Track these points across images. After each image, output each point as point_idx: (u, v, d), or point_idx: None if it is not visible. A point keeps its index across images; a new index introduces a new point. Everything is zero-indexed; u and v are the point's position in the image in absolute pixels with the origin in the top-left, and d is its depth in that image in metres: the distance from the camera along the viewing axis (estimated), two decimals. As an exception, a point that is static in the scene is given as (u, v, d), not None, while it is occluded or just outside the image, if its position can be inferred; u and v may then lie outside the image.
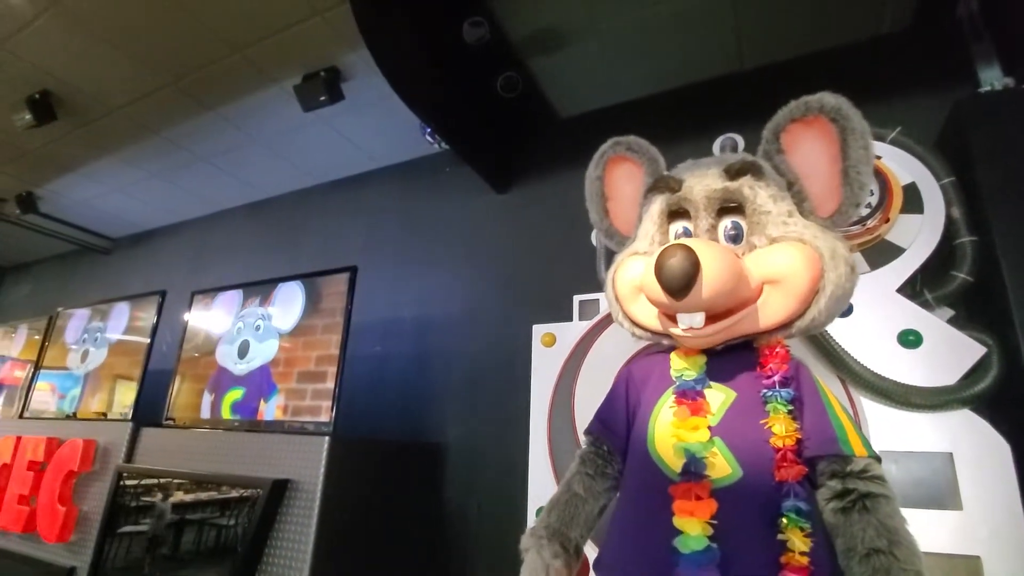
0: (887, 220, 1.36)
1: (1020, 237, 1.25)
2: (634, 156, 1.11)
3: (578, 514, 0.94)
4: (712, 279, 0.78)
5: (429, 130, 2.17)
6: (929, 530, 1.18)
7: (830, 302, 0.86)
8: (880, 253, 1.38)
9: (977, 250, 1.32)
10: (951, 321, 1.33)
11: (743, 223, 0.92)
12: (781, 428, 0.81)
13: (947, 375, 1.25)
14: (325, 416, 1.61)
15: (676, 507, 0.78)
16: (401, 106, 1.84)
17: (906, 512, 1.17)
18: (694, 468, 0.80)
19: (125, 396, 2.29)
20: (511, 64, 1.93)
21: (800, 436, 0.81)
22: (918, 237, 1.36)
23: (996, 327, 1.25)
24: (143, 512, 1.91)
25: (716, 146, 1.80)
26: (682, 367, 0.91)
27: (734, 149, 1.79)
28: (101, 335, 2.48)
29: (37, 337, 2.87)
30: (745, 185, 0.93)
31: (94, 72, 2.19)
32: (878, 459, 0.82)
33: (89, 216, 3.65)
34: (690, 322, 0.84)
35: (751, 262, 0.87)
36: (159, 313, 2.22)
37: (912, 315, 1.31)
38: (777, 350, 0.88)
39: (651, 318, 0.95)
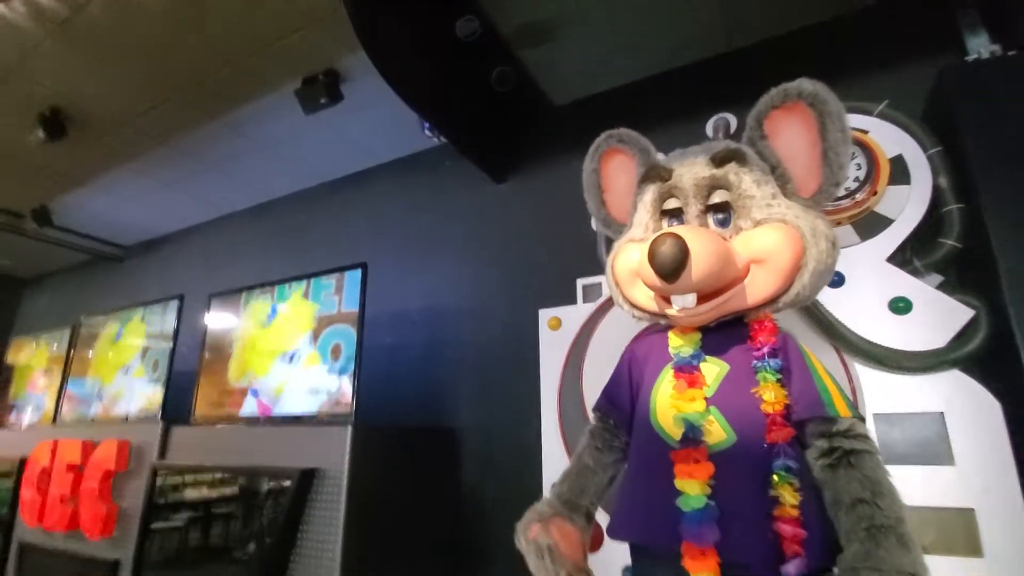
0: (875, 192, 1.40)
1: (1006, 202, 1.28)
2: (626, 148, 1.17)
3: (588, 484, 1.03)
4: (700, 263, 0.84)
5: (428, 125, 2.21)
6: (923, 486, 1.25)
7: (813, 277, 0.92)
8: (870, 225, 1.43)
9: (964, 217, 1.36)
10: (941, 287, 1.38)
11: (730, 208, 0.97)
12: (771, 395, 0.87)
13: (938, 338, 1.30)
14: (345, 407, 1.69)
15: (677, 470, 0.85)
16: (399, 103, 1.89)
17: (900, 469, 1.25)
18: (692, 435, 0.87)
19: (140, 399, 2.42)
20: (504, 56, 1.97)
21: (788, 402, 0.88)
22: (906, 207, 1.40)
23: (984, 290, 1.30)
24: (176, 508, 2.02)
25: (709, 126, 1.84)
26: (679, 344, 0.98)
27: (727, 129, 1.83)
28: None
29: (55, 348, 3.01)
30: (730, 172, 0.99)
31: (101, 88, 2.26)
32: (861, 419, 0.88)
33: (102, 226, 3.74)
34: (683, 303, 0.90)
35: (738, 244, 0.94)
36: (179, 317, 2.31)
37: (902, 283, 1.36)
38: (766, 324, 0.95)
39: (648, 300, 1.01)
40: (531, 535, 0.93)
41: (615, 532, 0.95)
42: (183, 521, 1.99)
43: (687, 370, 0.93)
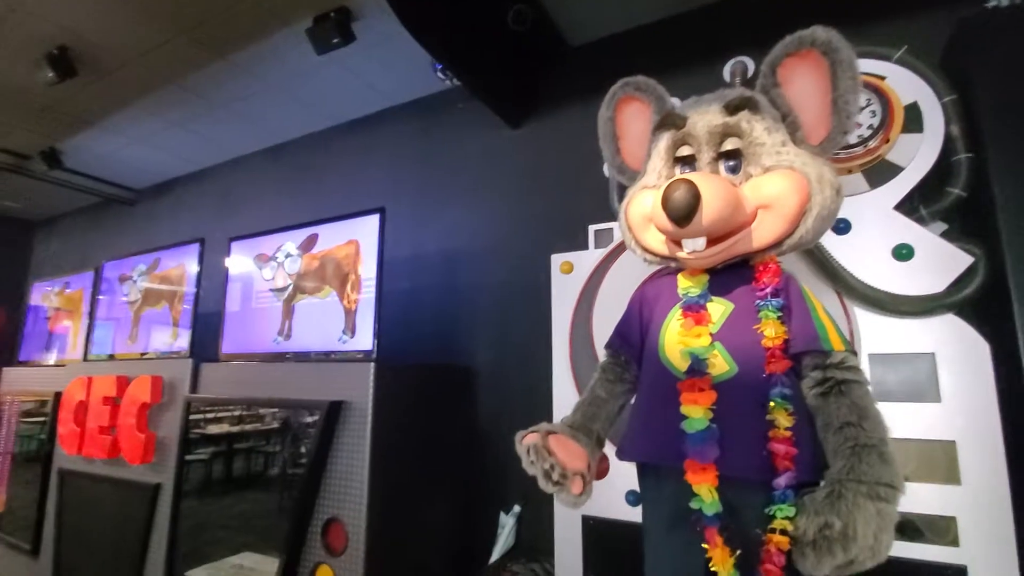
0: (887, 140, 1.42)
1: (1013, 153, 1.31)
2: (642, 95, 1.19)
3: (599, 412, 1.12)
4: (710, 208, 0.90)
5: (439, 66, 2.19)
6: (911, 420, 1.34)
7: (816, 222, 0.98)
8: (880, 172, 1.46)
9: (972, 166, 1.38)
10: (945, 234, 1.43)
11: (741, 155, 1.01)
12: (771, 331, 0.95)
13: (936, 284, 1.36)
14: (368, 344, 1.79)
15: (683, 398, 0.94)
16: (412, 43, 1.87)
17: (891, 406, 1.35)
18: (697, 367, 0.95)
19: (156, 338, 2.54)
20: (520, -6, 1.92)
21: (787, 337, 0.95)
22: (917, 156, 1.42)
23: (984, 238, 1.35)
24: (209, 440, 2.17)
25: (727, 70, 1.82)
26: (687, 285, 1.05)
27: (744, 73, 1.82)
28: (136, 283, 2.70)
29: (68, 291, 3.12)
30: (743, 119, 1.02)
31: (109, 25, 2.22)
32: (854, 353, 0.96)
33: (112, 169, 3.75)
34: (693, 246, 0.96)
35: (747, 190, 0.98)
36: (201, 259, 2.38)
37: (906, 230, 1.40)
38: (770, 265, 1.01)
39: (660, 244, 1.06)
40: (526, 440, 1.03)
41: (624, 454, 1.05)
42: (216, 452, 2.14)
43: (694, 309, 1.00)
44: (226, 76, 2.55)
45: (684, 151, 1.07)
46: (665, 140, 1.09)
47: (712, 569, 0.90)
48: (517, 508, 2.03)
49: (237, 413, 2.13)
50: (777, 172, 0.98)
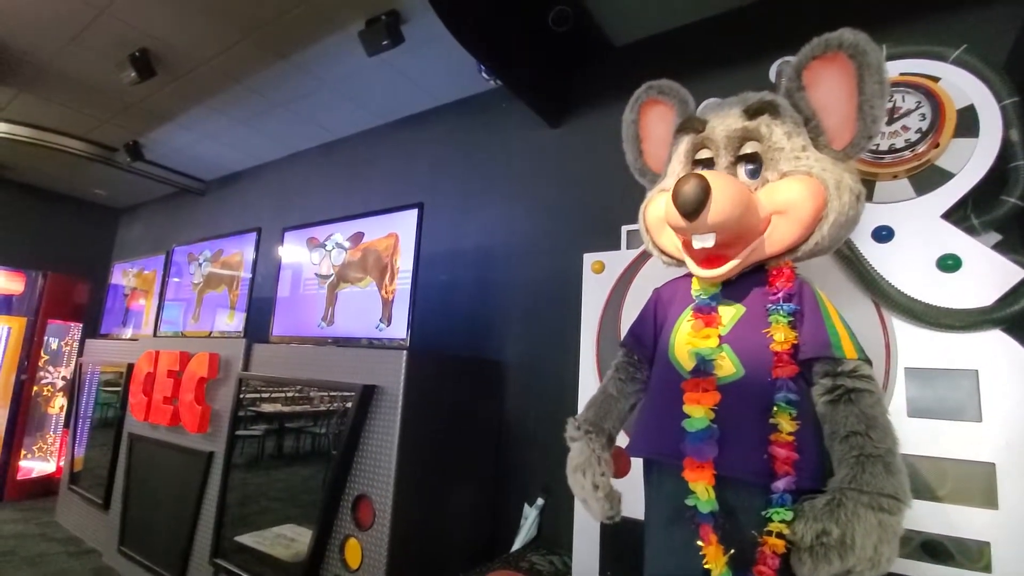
0: (937, 145, 1.35)
1: (1079, 159, 1.22)
2: (665, 99, 1.20)
3: (612, 410, 1.15)
4: (720, 204, 0.89)
5: (484, 67, 2.25)
6: (947, 439, 1.28)
7: (833, 229, 0.97)
8: (928, 179, 1.39)
9: (1032, 173, 1.30)
10: (998, 245, 1.35)
11: (760, 159, 1.01)
12: (781, 336, 0.95)
13: (984, 297, 1.29)
14: (402, 333, 1.87)
15: (686, 397, 0.95)
16: (458, 45, 1.93)
17: (927, 422, 1.30)
18: (703, 367, 0.96)
19: (216, 319, 2.73)
20: (563, -4, 1.95)
21: (796, 342, 0.95)
22: (969, 162, 1.35)
23: (1040, 251, 1.27)
24: (257, 417, 2.33)
25: (772, 71, 1.78)
26: (700, 288, 1.05)
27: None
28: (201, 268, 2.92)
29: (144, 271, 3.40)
30: (762, 124, 1.01)
31: (184, 30, 2.42)
32: (868, 362, 0.94)
33: (185, 161, 4.06)
34: (702, 243, 0.96)
35: (763, 195, 0.98)
36: (257, 247, 2.55)
37: (954, 240, 1.33)
38: (784, 271, 1.00)
39: (675, 247, 1.08)
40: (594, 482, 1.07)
41: (632, 449, 1.08)
42: (268, 429, 2.30)
43: (705, 311, 1.01)
44: (285, 77, 2.71)
45: (703, 154, 1.08)
46: (685, 143, 1.11)
47: (706, 567, 0.90)
48: (540, 501, 2.06)
49: (290, 394, 2.28)
50: (793, 177, 0.97)
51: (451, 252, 2.59)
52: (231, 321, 2.62)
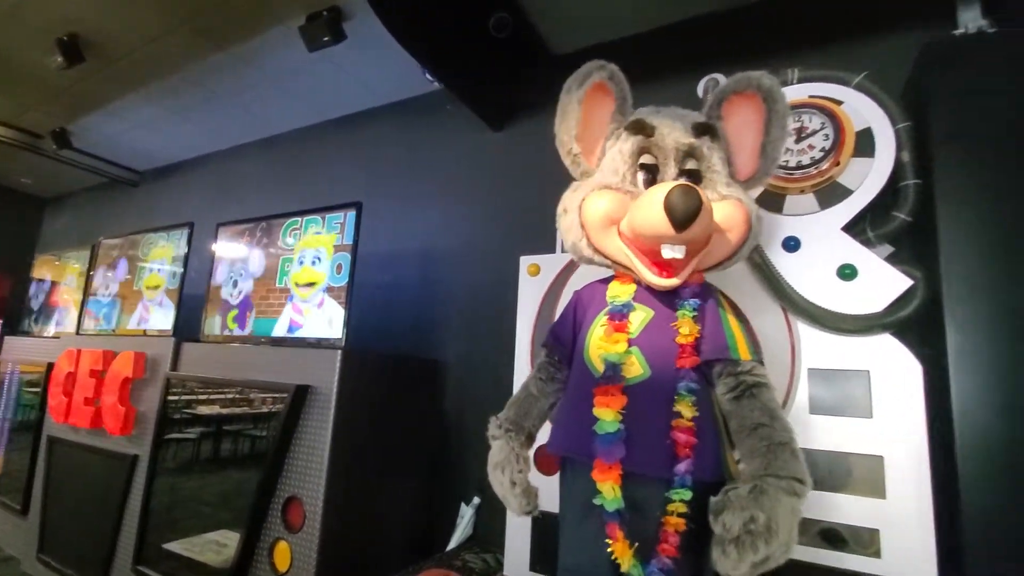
0: (838, 163, 1.47)
1: (957, 180, 1.34)
2: (613, 87, 1.16)
3: (532, 409, 1.20)
4: (705, 217, 0.95)
5: (427, 69, 2.25)
6: (843, 434, 1.39)
7: (746, 250, 1.09)
8: (831, 194, 1.50)
9: (919, 192, 1.42)
10: (890, 257, 1.47)
11: (701, 177, 1.08)
12: (686, 329, 1.02)
13: (876, 304, 1.40)
14: (338, 332, 1.86)
15: (596, 401, 1.01)
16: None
17: (825, 419, 1.40)
18: (612, 372, 1.01)
19: (144, 316, 2.63)
20: (505, 2, 1.98)
21: (699, 336, 1.03)
22: (866, 179, 1.47)
23: (925, 262, 1.39)
24: (186, 417, 2.26)
25: (700, 86, 1.87)
26: (615, 294, 1.11)
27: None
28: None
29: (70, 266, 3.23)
30: (705, 144, 1.09)
31: (116, 14, 2.31)
32: (760, 362, 1.03)
33: (117, 151, 3.86)
34: (673, 253, 0.99)
35: None
36: (189, 243, 2.46)
37: (852, 251, 1.44)
38: (695, 275, 1.08)
39: (620, 251, 1.08)
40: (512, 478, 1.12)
41: (550, 446, 1.13)
42: (205, 432, 2.23)
43: (617, 317, 1.07)
44: (224, 68, 2.63)
45: (647, 159, 1.10)
46: (631, 144, 1.10)
47: (614, 560, 0.96)
48: (477, 500, 2.09)
49: (230, 395, 2.21)
50: (733, 202, 1.05)
51: (394, 252, 2.59)
52: (160, 318, 2.52)
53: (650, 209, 0.95)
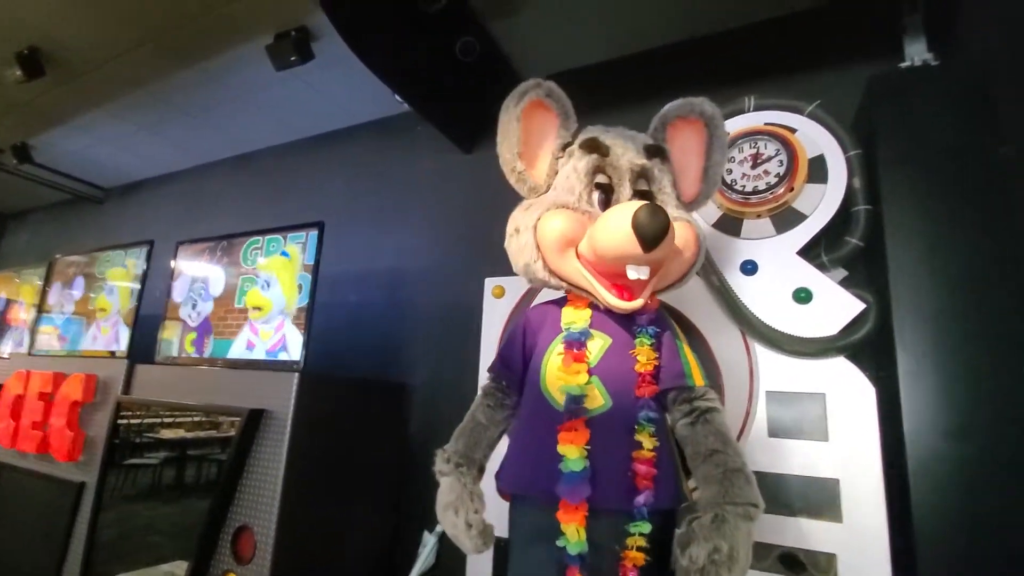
0: (792, 189, 1.50)
1: (905, 207, 1.37)
2: (553, 105, 1.14)
3: (481, 440, 1.15)
4: (672, 236, 0.95)
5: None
6: (799, 457, 1.40)
7: (695, 270, 1.10)
8: (786, 219, 1.53)
9: (870, 218, 1.45)
10: (844, 281, 1.50)
11: (653, 198, 1.09)
12: (644, 357, 1.02)
13: (830, 327, 1.42)
14: (297, 355, 1.81)
15: (560, 437, 0.98)
16: (370, 66, 1.94)
17: (783, 442, 1.40)
18: (574, 405, 0.99)
19: (99, 336, 2.54)
20: (472, 26, 2.01)
21: (659, 363, 1.02)
22: (820, 205, 1.50)
23: (876, 287, 1.42)
24: (138, 442, 2.17)
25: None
26: (570, 320, 1.08)
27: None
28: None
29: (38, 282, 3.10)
30: (656, 166, 1.10)
31: (78, 29, 2.28)
32: (713, 387, 1.05)
33: (82, 167, 3.77)
34: (638, 274, 0.98)
35: None
36: (148, 261, 2.40)
37: (807, 275, 1.47)
38: (652, 300, 1.08)
39: (578, 273, 1.05)
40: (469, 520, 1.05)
41: (503, 482, 1.09)
42: (168, 457, 2.14)
43: (575, 345, 1.04)
44: (192, 84, 2.60)
45: (601, 179, 1.09)
46: (585, 163, 1.08)
47: None
48: (440, 528, 2.03)
49: (196, 419, 2.13)
50: (683, 222, 1.06)
51: (363, 273, 2.56)
52: (115, 340, 2.43)
53: (617, 229, 0.93)
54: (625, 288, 1.03)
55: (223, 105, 2.80)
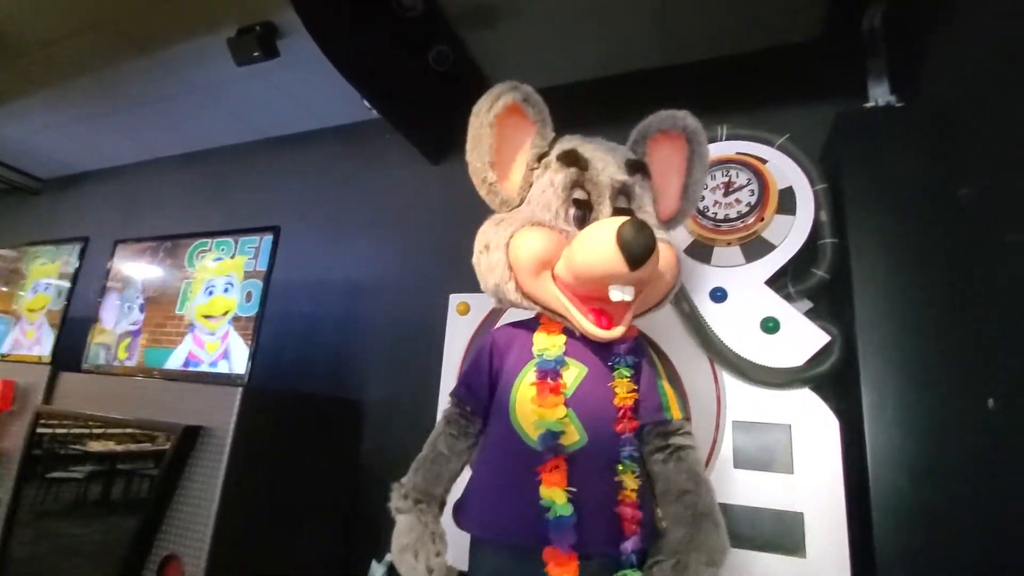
0: (762, 219, 1.50)
1: (869, 241, 1.40)
2: (530, 111, 1.06)
3: (442, 472, 1.03)
4: (658, 254, 0.89)
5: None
6: (765, 489, 1.37)
7: (672, 294, 1.05)
8: (755, 248, 1.53)
9: (836, 251, 1.47)
10: (809, 312, 1.51)
11: (632, 215, 1.02)
12: (623, 390, 0.96)
13: (796, 358, 1.42)
14: (242, 368, 1.68)
15: (544, 479, 0.89)
16: (339, 68, 1.86)
17: (750, 474, 1.37)
18: (552, 442, 0.91)
19: (23, 339, 2.31)
20: (447, 37, 1.96)
21: (638, 397, 0.97)
22: (788, 236, 1.51)
23: (841, 319, 1.43)
24: (59, 456, 1.96)
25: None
26: (544, 346, 1.00)
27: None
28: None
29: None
30: (637, 183, 1.03)
31: (20, 4, 2.10)
32: (688, 419, 1.00)
33: (17, 155, 3.49)
34: (622, 295, 0.90)
35: None
36: (81, 259, 2.21)
37: (774, 305, 1.47)
38: (630, 328, 1.02)
39: (554, 295, 0.97)
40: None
41: (468, 524, 0.99)
42: (94, 471, 1.93)
43: (549, 375, 0.96)
44: (145, 74, 2.44)
45: (579, 195, 1.01)
46: (563, 176, 1.00)
47: None
48: (389, 556, 1.91)
49: (129, 430, 1.93)
50: (664, 243, 0.98)
51: (319, 282, 2.44)
52: (39, 344, 2.22)
53: (600, 245, 0.85)
54: (603, 314, 0.96)
55: (178, 99, 2.64)
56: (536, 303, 1.01)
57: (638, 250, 0.82)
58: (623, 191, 1.01)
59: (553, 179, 1.01)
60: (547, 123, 1.09)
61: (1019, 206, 1.13)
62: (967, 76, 1.37)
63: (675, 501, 0.91)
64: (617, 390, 0.96)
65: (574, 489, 0.88)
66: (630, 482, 0.91)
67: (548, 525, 0.86)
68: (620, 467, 0.92)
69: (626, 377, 0.97)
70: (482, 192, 1.11)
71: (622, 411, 0.95)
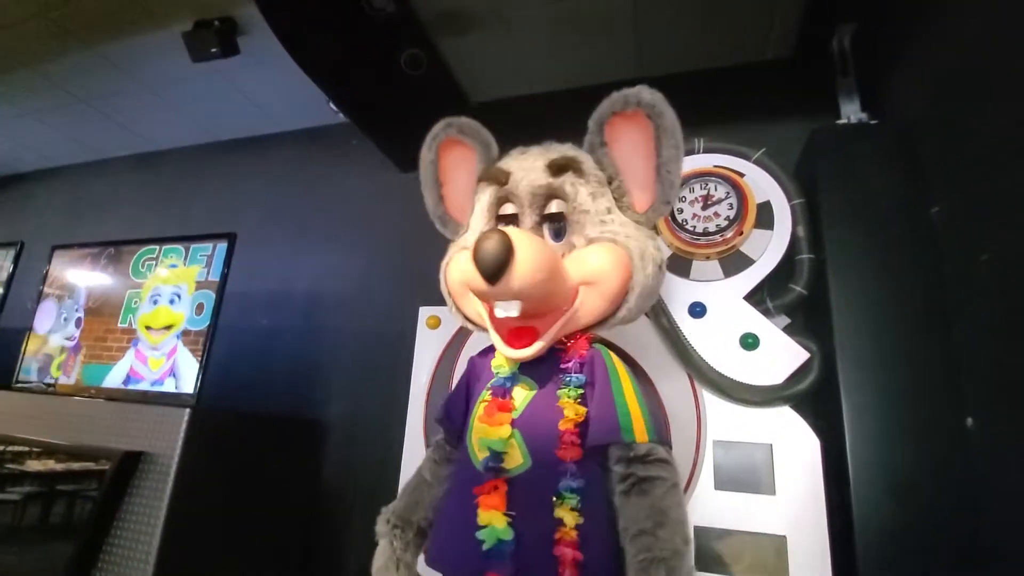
0: (741, 233, 1.48)
1: (847, 257, 1.39)
2: (466, 140, 1.08)
3: (423, 499, 1.01)
4: (524, 266, 0.78)
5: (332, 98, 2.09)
6: (747, 511, 1.33)
7: (639, 300, 0.93)
8: (734, 262, 1.50)
9: (813, 267, 1.46)
10: (787, 328, 1.48)
11: (565, 219, 0.96)
12: (570, 411, 0.86)
13: (776, 375, 1.39)
14: (190, 387, 1.55)
15: (481, 502, 0.82)
16: (305, 69, 1.76)
17: (731, 496, 1.32)
18: (493, 462, 0.84)
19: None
20: (420, 41, 1.89)
21: (582, 420, 0.86)
22: (767, 251, 1.49)
23: (820, 336, 1.41)
24: (15, 480, 1.77)
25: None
26: (499, 364, 0.95)
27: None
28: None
29: None
30: (567, 182, 0.95)
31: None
32: (662, 442, 0.87)
33: (-55, 151, 3.23)
34: (506, 311, 0.85)
35: (570, 263, 0.91)
36: (15, 265, 2.03)
37: (754, 320, 1.44)
38: (580, 341, 0.94)
39: (480, 315, 0.97)
40: None
41: (427, 558, 0.93)
42: (32, 492, 1.74)
43: (500, 392, 0.91)
44: (92, 69, 2.28)
45: (508, 209, 0.99)
46: (488, 195, 1.00)
47: None
48: (351, 586, 1.79)
49: (35, 451, 1.75)
50: (600, 246, 0.91)
51: (278, 294, 2.30)
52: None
53: (462, 262, 0.86)
54: (514, 334, 0.90)
55: (126, 96, 2.47)
56: (472, 323, 1.03)
57: (486, 262, 0.76)
58: (552, 195, 0.95)
59: (481, 199, 1.03)
60: (489, 147, 1.09)
61: (985, 224, 1.14)
62: (932, 96, 1.39)
63: (631, 542, 0.79)
64: (565, 412, 0.86)
65: (514, 513, 0.81)
66: (569, 519, 0.80)
67: (485, 554, 0.79)
68: (555, 499, 0.81)
69: (571, 398, 0.87)
70: (438, 227, 1.18)
71: (563, 435, 0.84)
